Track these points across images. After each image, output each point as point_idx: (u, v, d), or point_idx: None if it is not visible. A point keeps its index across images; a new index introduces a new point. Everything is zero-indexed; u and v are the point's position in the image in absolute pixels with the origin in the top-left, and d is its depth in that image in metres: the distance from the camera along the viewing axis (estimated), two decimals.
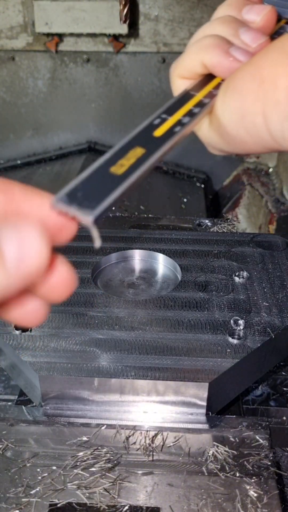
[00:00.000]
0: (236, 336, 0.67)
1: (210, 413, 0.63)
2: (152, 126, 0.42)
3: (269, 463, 0.57)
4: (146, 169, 0.40)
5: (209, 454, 0.58)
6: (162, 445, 0.59)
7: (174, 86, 0.47)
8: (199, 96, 0.43)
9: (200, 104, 0.43)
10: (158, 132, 0.42)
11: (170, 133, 0.41)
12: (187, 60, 0.45)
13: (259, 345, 0.66)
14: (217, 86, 0.43)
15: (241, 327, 0.68)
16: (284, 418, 0.70)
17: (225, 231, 0.98)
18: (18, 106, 2.05)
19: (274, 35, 0.45)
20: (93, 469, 0.56)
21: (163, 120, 0.42)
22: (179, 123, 0.42)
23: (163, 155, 0.41)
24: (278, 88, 0.37)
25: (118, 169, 0.39)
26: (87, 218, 0.34)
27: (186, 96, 0.44)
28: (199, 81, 0.45)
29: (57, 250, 0.34)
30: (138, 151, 0.41)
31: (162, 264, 0.85)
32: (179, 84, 0.46)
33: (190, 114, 0.43)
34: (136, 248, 0.87)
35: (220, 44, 0.42)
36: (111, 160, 0.39)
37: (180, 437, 0.60)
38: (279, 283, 0.78)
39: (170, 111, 0.43)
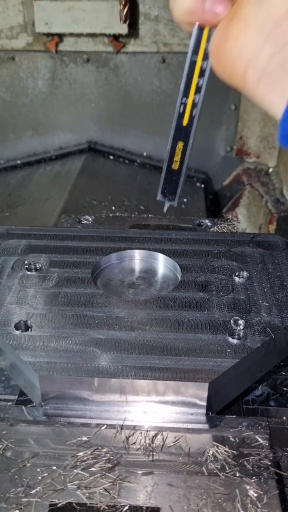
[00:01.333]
0: (236, 336, 0.67)
1: (210, 413, 0.63)
2: (180, 115, 0.56)
3: (269, 463, 0.57)
4: (188, 157, 0.59)
5: (209, 454, 0.58)
6: (162, 445, 0.59)
7: (185, 29, 0.52)
8: (199, 61, 0.53)
9: (201, 73, 0.54)
10: (185, 121, 0.57)
11: (191, 119, 0.56)
12: (176, 11, 0.49)
13: (259, 345, 0.66)
14: (208, 39, 0.50)
15: (241, 327, 0.68)
16: (284, 418, 0.70)
17: (225, 231, 0.98)
18: (18, 106, 2.05)
19: None
20: (93, 469, 0.56)
21: (185, 106, 0.56)
22: (194, 105, 0.55)
23: (193, 141, 0.58)
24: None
25: (175, 165, 0.60)
26: (173, 203, 0.64)
27: (191, 67, 0.54)
28: (195, 38, 0.52)
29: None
30: (180, 145, 0.58)
31: (162, 264, 0.85)
32: (187, 28, 0.51)
33: (198, 88, 0.55)
34: (136, 248, 0.87)
35: None
36: (170, 160, 0.60)
37: (180, 437, 0.60)
38: (279, 283, 0.78)
39: (186, 92, 0.55)
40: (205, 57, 0.53)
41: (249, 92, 0.44)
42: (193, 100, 0.55)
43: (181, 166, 0.60)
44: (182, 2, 0.48)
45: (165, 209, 0.66)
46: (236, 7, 0.45)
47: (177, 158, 0.59)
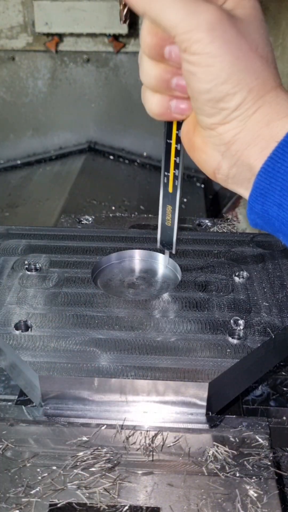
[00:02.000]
0: (236, 336, 0.67)
1: (210, 413, 0.63)
2: (165, 185, 0.69)
3: (269, 463, 0.57)
4: (177, 217, 0.72)
5: (209, 454, 0.58)
6: (162, 445, 0.59)
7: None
8: (173, 144, 0.64)
9: (177, 153, 0.64)
10: (170, 189, 0.69)
11: (174, 187, 0.68)
12: (148, 111, 0.58)
13: (259, 345, 0.66)
14: (179, 127, 0.61)
15: (241, 327, 0.68)
16: (284, 418, 0.70)
17: (225, 231, 0.98)
18: (18, 106, 2.05)
19: None
20: (93, 469, 0.56)
21: (168, 178, 0.67)
22: (175, 177, 0.67)
23: (180, 204, 0.70)
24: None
25: (168, 222, 0.73)
26: (171, 251, 0.77)
27: (168, 148, 0.64)
28: (167, 127, 0.62)
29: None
30: (169, 208, 0.71)
31: (162, 264, 0.85)
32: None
33: (176, 165, 0.66)
34: (136, 248, 0.87)
35: (162, 101, 0.56)
36: (163, 220, 0.73)
37: (180, 437, 0.60)
38: (279, 283, 0.78)
39: (167, 167, 0.67)
40: (177, 141, 0.63)
41: (221, 184, 0.55)
42: (174, 173, 0.67)
43: (172, 222, 0.73)
44: (150, 107, 0.57)
45: (166, 259, 0.82)
46: (193, 117, 0.55)
47: (169, 217, 0.73)
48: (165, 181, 0.68)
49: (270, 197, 0.50)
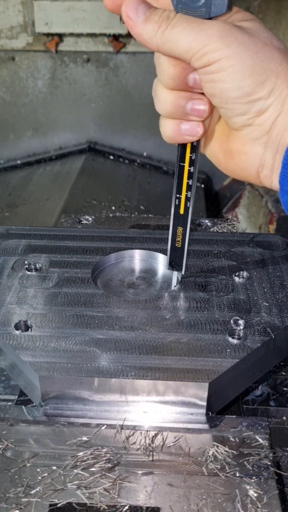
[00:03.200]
0: (236, 336, 0.67)
1: (210, 413, 0.63)
2: (176, 207, 0.69)
3: (269, 463, 0.57)
4: (188, 238, 0.71)
5: (209, 454, 0.58)
6: (162, 445, 0.59)
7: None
8: (186, 167, 0.65)
9: (190, 175, 0.65)
10: (181, 211, 0.69)
11: (186, 209, 0.69)
12: (164, 137, 0.61)
13: (259, 345, 0.66)
14: (192, 150, 0.63)
15: (241, 327, 0.68)
16: (284, 418, 0.70)
17: (225, 231, 0.98)
18: (18, 106, 2.05)
19: None
20: (93, 469, 0.56)
21: (180, 199, 0.68)
22: (187, 198, 0.67)
23: (190, 224, 0.70)
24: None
25: (178, 244, 0.72)
26: (180, 273, 0.76)
27: (180, 171, 0.65)
28: (181, 150, 0.63)
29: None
30: (180, 229, 0.71)
31: (162, 264, 0.85)
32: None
33: (188, 187, 0.66)
34: (136, 248, 0.87)
35: (173, 124, 0.59)
36: (173, 241, 0.72)
37: (180, 437, 0.60)
38: (279, 283, 0.78)
39: (179, 190, 0.67)
40: (191, 163, 0.64)
41: (265, 184, 0.55)
42: (186, 195, 0.67)
43: (183, 244, 0.72)
44: (163, 131, 0.60)
45: (174, 280, 0.77)
46: (224, 125, 0.57)
47: (179, 239, 0.72)
48: (177, 202, 0.68)
49: None
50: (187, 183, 0.66)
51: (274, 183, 0.54)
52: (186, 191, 0.67)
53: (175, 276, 0.77)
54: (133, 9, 0.53)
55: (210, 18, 0.53)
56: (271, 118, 0.51)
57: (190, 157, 0.63)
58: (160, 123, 0.60)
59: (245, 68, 0.50)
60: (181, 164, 0.65)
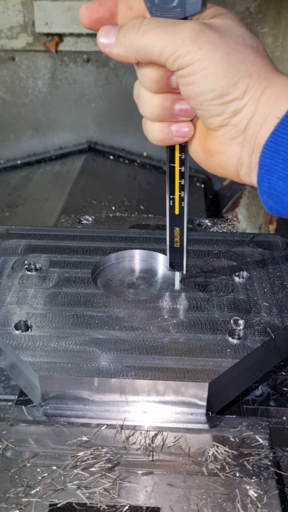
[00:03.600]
0: (236, 336, 0.67)
1: (210, 413, 0.63)
2: (171, 208, 0.68)
3: (269, 463, 0.57)
4: (185, 237, 0.71)
5: (209, 454, 0.58)
6: (162, 445, 0.59)
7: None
8: (177, 167, 0.65)
9: (181, 175, 0.65)
10: (176, 211, 0.69)
11: (181, 209, 0.68)
12: (150, 140, 0.61)
13: (259, 345, 0.66)
14: (181, 150, 0.62)
15: (241, 327, 0.68)
16: (284, 418, 0.70)
17: (225, 231, 0.98)
18: (18, 106, 2.05)
19: None
20: (93, 469, 0.56)
21: (174, 200, 0.68)
22: (181, 198, 0.67)
23: (186, 224, 0.70)
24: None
25: (176, 244, 0.72)
26: (181, 273, 0.76)
27: (171, 171, 0.65)
28: (170, 151, 0.63)
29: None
30: (177, 230, 0.71)
31: (162, 264, 0.85)
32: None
33: (181, 187, 0.66)
34: (136, 248, 0.87)
35: (163, 127, 0.58)
36: (171, 242, 0.72)
37: (180, 437, 0.60)
38: (279, 283, 0.78)
39: (172, 190, 0.67)
40: (181, 163, 0.64)
41: (244, 181, 0.55)
42: (179, 195, 0.67)
43: (181, 244, 0.72)
44: (152, 136, 0.59)
45: (176, 281, 0.77)
46: (203, 126, 0.57)
47: (177, 239, 0.72)
48: (171, 203, 0.68)
49: (275, 172, 0.50)
50: (180, 183, 0.66)
51: (253, 181, 0.54)
52: (179, 191, 0.67)
53: (178, 276, 0.77)
54: (104, 35, 0.54)
55: (185, 18, 0.52)
56: (246, 118, 0.51)
57: (180, 157, 0.63)
58: (145, 126, 0.60)
59: (217, 70, 0.50)
60: (172, 165, 0.65)
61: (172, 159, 0.64)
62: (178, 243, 0.72)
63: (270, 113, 0.50)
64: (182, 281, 0.78)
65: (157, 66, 0.54)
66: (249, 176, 0.54)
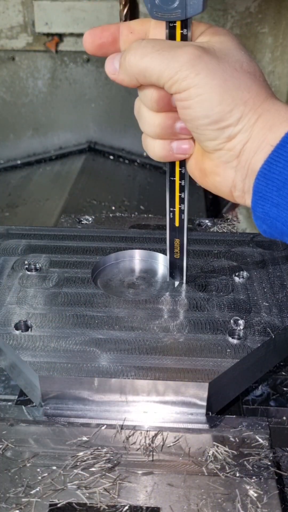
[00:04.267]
0: (236, 336, 0.67)
1: (210, 413, 0.63)
2: (171, 220, 0.70)
3: (269, 463, 0.57)
4: (186, 248, 0.72)
5: (209, 454, 0.58)
6: (162, 445, 0.59)
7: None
8: (177, 181, 0.66)
9: (181, 189, 0.66)
10: (177, 223, 0.70)
11: (181, 221, 0.69)
12: (151, 156, 0.61)
13: (259, 345, 0.66)
14: (181, 164, 0.64)
15: (241, 327, 0.68)
16: (284, 418, 0.70)
17: (225, 231, 0.98)
18: (18, 106, 2.05)
19: None
20: (93, 469, 0.56)
21: (174, 213, 0.69)
22: (181, 211, 0.68)
23: (187, 235, 0.71)
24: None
25: (176, 255, 0.74)
26: (180, 282, 0.77)
27: (172, 185, 0.66)
28: (170, 165, 0.64)
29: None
30: (177, 241, 0.72)
31: (162, 264, 0.85)
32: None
33: (181, 200, 0.67)
34: (136, 248, 0.87)
35: (164, 144, 0.60)
36: (171, 253, 0.74)
37: (180, 437, 0.60)
38: (279, 283, 0.78)
39: (172, 203, 0.68)
40: (181, 177, 0.65)
41: (239, 202, 0.56)
42: (180, 208, 0.68)
43: (181, 255, 0.74)
44: (153, 152, 0.60)
45: (176, 282, 0.78)
46: (199, 147, 0.58)
47: (177, 250, 0.73)
48: (171, 216, 0.69)
49: (268, 198, 0.51)
50: (180, 196, 0.67)
51: (247, 203, 0.56)
52: (179, 204, 0.68)
53: (176, 283, 0.78)
54: (110, 63, 0.56)
55: (186, 19, 0.53)
56: (240, 144, 0.52)
57: (180, 171, 0.65)
58: (145, 143, 0.61)
59: (213, 97, 0.50)
60: (172, 178, 0.66)
61: (172, 173, 0.65)
62: (178, 254, 0.74)
63: (264, 140, 0.51)
64: (182, 281, 0.78)
65: (157, 87, 0.54)
66: (243, 198, 0.56)
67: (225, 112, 0.51)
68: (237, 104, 0.51)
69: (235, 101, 0.51)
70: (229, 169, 0.55)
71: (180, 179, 0.66)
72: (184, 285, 0.77)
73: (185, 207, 0.68)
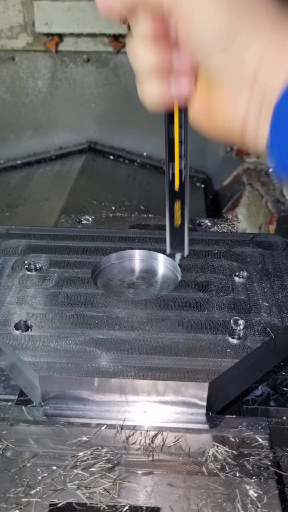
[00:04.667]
0: (236, 336, 0.67)
1: (210, 413, 0.63)
2: (170, 184, 0.63)
3: (269, 463, 0.57)
4: (187, 214, 0.65)
5: (209, 454, 0.58)
6: (162, 445, 0.59)
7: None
8: (176, 139, 0.59)
9: (181, 143, 0.60)
10: (176, 187, 0.63)
11: (181, 184, 0.63)
12: (148, 103, 0.55)
13: (259, 345, 0.66)
14: (180, 117, 0.57)
15: (241, 327, 0.68)
16: (284, 418, 0.70)
17: (225, 231, 0.98)
18: (18, 106, 2.05)
19: None
20: (93, 469, 0.56)
21: (173, 175, 0.62)
22: (181, 171, 0.62)
23: (189, 197, 0.64)
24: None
25: (177, 222, 0.66)
26: (182, 254, 0.72)
27: (170, 141, 0.60)
28: (167, 118, 0.58)
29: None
30: (178, 204, 0.65)
31: (162, 264, 0.85)
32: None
33: (181, 156, 0.60)
34: (136, 248, 0.87)
35: (161, 84, 0.53)
36: (171, 219, 0.67)
37: (180, 437, 0.60)
38: (279, 283, 0.78)
39: (171, 161, 0.61)
40: (180, 125, 0.58)
41: (249, 143, 0.49)
42: (179, 168, 0.62)
43: (182, 221, 0.66)
44: (149, 95, 0.53)
45: (177, 260, 0.75)
46: (205, 81, 0.51)
47: (177, 215, 0.66)
48: (170, 179, 0.63)
49: None
50: (179, 150, 0.60)
51: (260, 140, 0.48)
52: (179, 164, 0.61)
53: (177, 256, 0.74)
54: None
55: None
56: (255, 56, 0.45)
57: (179, 125, 0.58)
58: (141, 89, 0.54)
59: (222, 4, 0.45)
60: (170, 129, 0.59)
61: (170, 131, 0.59)
62: (179, 221, 0.66)
63: (286, 52, 0.44)
64: (182, 280, 0.78)
65: (153, 15, 0.50)
66: (256, 136, 0.48)
67: (237, 15, 0.44)
68: (249, 6, 0.45)
69: (247, 4, 0.45)
70: (242, 92, 0.47)
71: (180, 131, 0.58)
72: (184, 285, 0.77)
73: (186, 166, 0.61)
